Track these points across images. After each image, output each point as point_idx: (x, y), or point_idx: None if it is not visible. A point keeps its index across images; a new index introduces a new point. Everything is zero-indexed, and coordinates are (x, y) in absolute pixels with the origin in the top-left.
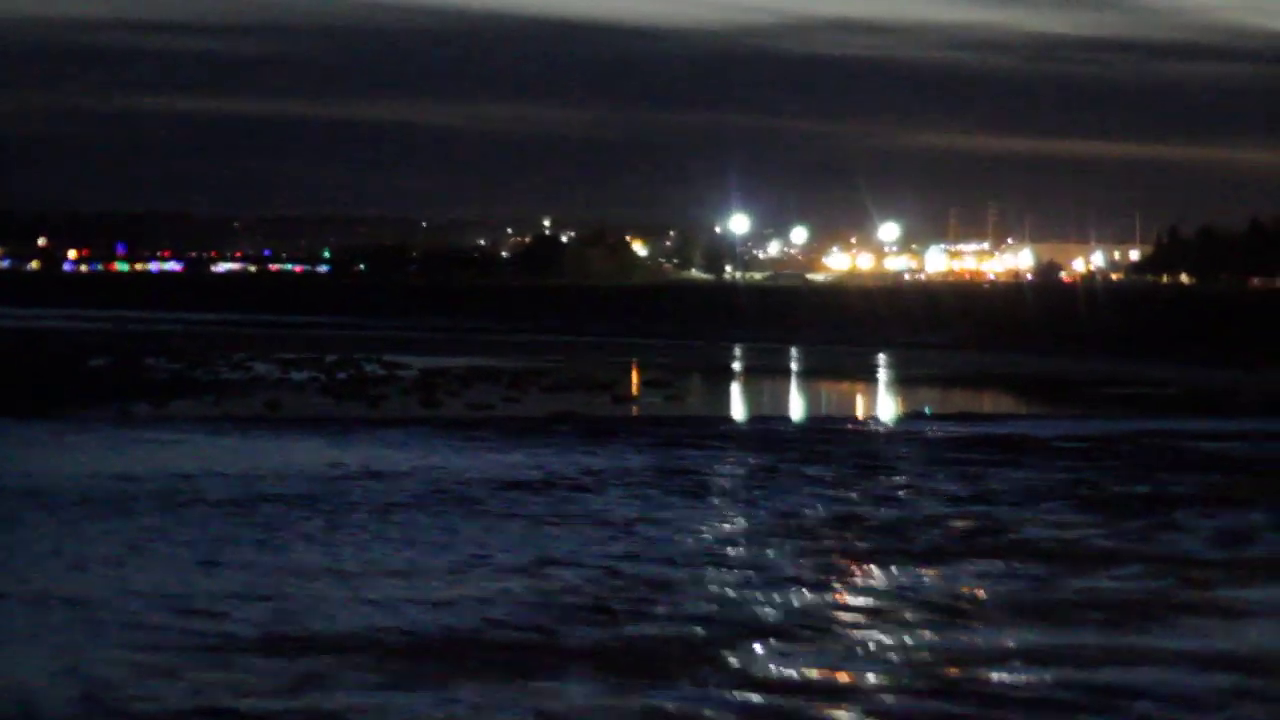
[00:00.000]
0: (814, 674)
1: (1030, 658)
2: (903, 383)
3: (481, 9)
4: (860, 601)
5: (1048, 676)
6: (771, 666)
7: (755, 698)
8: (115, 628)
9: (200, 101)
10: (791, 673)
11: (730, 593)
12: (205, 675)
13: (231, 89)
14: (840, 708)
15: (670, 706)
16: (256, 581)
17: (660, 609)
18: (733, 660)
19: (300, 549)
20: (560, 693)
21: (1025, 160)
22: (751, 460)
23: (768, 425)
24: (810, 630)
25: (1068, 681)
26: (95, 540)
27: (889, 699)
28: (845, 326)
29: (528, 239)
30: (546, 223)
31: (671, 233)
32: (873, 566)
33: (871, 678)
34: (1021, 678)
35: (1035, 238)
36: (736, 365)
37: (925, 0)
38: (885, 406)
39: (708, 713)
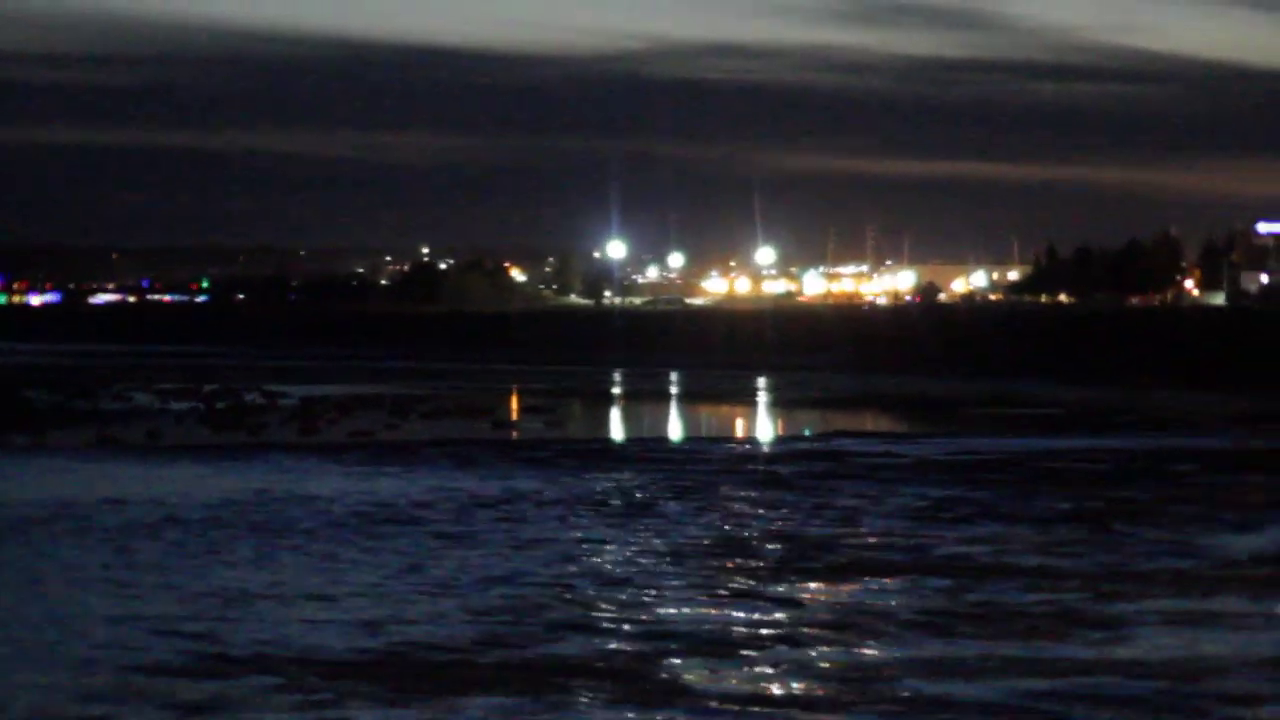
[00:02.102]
0: (734, 688)
1: (924, 668)
2: (782, 405)
3: (357, 38)
4: (758, 617)
5: (935, 686)
6: (680, 681)
7: (677, 714)
8: (36, 653)
9: (75, 133)
10: (708, 686)
11: (631, 610)
12: (133, 695)
13: (106, 120)
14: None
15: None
16: (169, 604)
17: (561, 626)
18: (641, 674)
19: (202, 573)
20: (489, 707)
21: (902, 182)
22: (633, 481)
23: (647, 447)
24: (714, 645)
25: (949, 694)
26: None
27: (811, 712)
28: (724, 350)
29: (406, 266)
30: (425, 250)
31: (550, 259)
32: (764, 581)
33: (788, 690)
34: (909, 688)
35: (914, 259)
36: (616, 390)
37: (795, 24)
38: (765, 428)
39: None
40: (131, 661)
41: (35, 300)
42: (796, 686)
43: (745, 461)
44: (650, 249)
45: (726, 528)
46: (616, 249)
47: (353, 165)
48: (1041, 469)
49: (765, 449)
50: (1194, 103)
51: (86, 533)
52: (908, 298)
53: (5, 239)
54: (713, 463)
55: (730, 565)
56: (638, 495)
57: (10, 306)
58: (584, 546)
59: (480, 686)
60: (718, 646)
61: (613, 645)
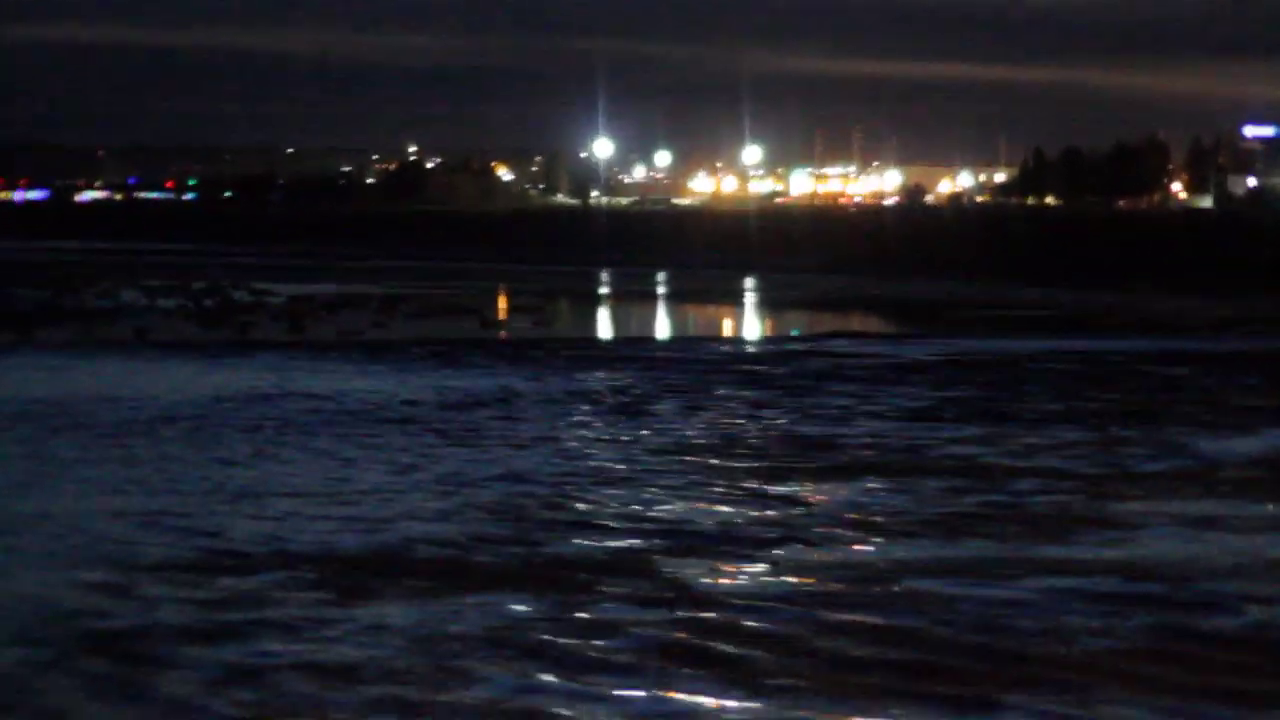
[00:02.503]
0: (735, 585)
1: (923, 567)
2: (771, 306)
3: None
4: (757, 515)
5: (934, 585)
6: (681, 578)
7: (679, 612)
8: (39, 548)
9: (61, 30)
10: (710, 584)
11: (632, 508)
12: (148, 591)
13: (93, 18)
14: (761, 617)
15: (603, 618)
16: (173, 501)
17: (564, 524)
18: (643, 572)
19: (202, 470)
20: (498, 604)
21: (891, 84)
22: (625, 381)
23: (637, 347)
24: (714, 543)
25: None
26: None
27: (813, 609)
28: (711, 251)
29: (393, 165)
30: (412, 149)
31: (537, 158)
32: (763, 480)
33: (790, 587)
34: (932, 586)
35: (901, 160)
36: (603, 290)
37: None
38: (754, 328)
39: (635, 629)
40: (144, 559)
41: (19, 197)
42: (798, 584)
43: (736, 361)
44: (637, 149)
45: (721, 427)
46: (604, 148)
47: (341, 65)
48: (1034, 370)
49: (755, 349)
50: (1182, 5)
51: (81, 430)
52: (892, 199)
53: None
54: (703, 363)
55: (728, 464)
56: (630, 395)
57: None
58: (581, 446)
59: (489, 584)
60: (718, 545)
61: (615, 543)
